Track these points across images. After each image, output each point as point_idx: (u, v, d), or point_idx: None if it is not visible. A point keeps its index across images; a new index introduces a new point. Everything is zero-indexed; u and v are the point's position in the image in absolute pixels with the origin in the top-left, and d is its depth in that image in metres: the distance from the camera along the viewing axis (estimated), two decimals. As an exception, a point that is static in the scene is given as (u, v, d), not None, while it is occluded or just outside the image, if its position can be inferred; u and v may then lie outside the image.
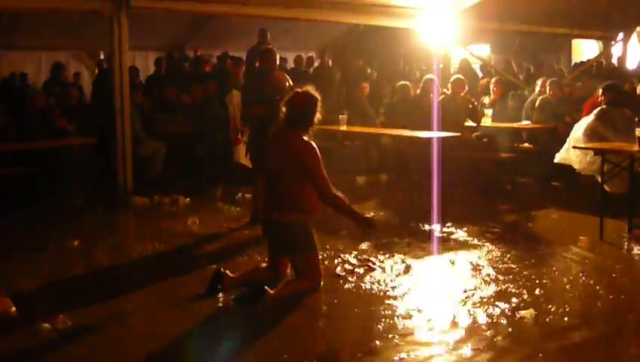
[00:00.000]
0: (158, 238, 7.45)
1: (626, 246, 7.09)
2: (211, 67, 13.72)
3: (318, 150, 5.48)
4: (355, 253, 6.69)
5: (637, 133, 7.30)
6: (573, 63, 17.21)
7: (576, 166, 8.52)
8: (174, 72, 13.21)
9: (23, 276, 6.07)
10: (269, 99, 7.24)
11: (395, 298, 5.44)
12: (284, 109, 5.56)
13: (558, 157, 8.85)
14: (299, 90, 5.64)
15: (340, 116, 10.33)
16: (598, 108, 8.62)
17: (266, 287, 5.30)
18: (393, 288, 5.67)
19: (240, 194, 9.57)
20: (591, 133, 8.34)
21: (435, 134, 8.71)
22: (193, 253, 6.99)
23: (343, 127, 10.27)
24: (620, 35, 14.24)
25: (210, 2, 9.46)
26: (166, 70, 13.22)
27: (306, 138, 5.52)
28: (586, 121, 8.59)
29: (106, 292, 5.68)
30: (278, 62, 7.91)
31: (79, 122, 9.94)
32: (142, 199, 9.18)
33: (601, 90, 8.83)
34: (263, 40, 13.28)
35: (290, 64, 14.47)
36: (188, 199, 9.30)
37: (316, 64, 15.56)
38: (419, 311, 5.13)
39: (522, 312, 5.06)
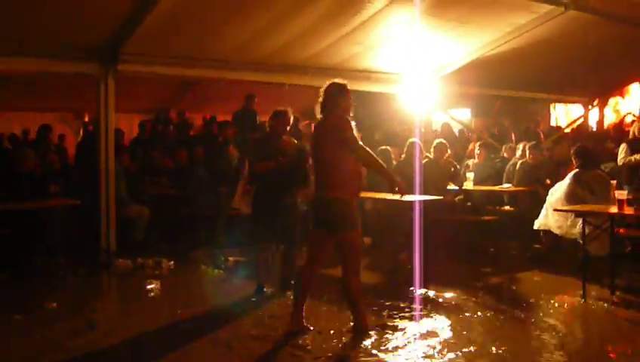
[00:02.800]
0: (138, 301, 7.45)
1: (608, 309, 7.12)
2: (196, 130, 13.83)
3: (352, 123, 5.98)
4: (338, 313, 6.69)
5: (615, 194, 7.38)
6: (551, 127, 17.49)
7: (555, 230, 8.62)
8: (159, 135, 13.29)
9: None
10: (273, 158, 7.42)
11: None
12: (321, 99, 6.11)
13: (537, 224, 8.96)
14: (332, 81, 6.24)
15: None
16: (573, 172, 8.79)
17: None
18: (378, 351, 5.67)
19: (223, 257, 9.57)
20: (570, 197, 8.46)
21: (417, 198, 8.78)
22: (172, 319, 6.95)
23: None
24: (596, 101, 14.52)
25: (196, 67, 9.61)
26: (151, 133, 13.30)
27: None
28: (560, 185, 8.74)
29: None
30: (290, 124, 7.94)
31: (63, 184, 9.96)
32: (125, 261, 9.13)
33: (572, 154, 9.02)
34: (250, 104, 13.47)
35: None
36: (172, 262, 9.28)
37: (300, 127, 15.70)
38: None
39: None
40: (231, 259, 9.55)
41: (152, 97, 14.15)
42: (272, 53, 9.59)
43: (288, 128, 7.92)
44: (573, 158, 8.96)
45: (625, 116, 17.21)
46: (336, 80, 6.25)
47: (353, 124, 6.03)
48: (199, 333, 6.21)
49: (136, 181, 10.58)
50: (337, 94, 6.14)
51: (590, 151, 9.22)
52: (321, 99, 6.15)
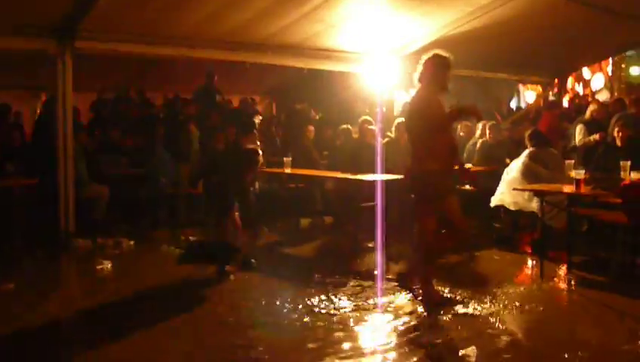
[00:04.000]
0: (96, 281, 7.39)
1: (565, 286, 7.24)
2: (157, 109, 13.68)
3: (437, 99, 6.09)
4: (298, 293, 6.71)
5: (572, 174, 7.48)
6: (514, 107, 17.64)
7: (511, 207, 8.73)
8: (119, 113, 13.13)
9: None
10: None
11: (340, 341, 5.46)
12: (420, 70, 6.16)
13: (494, 201, 9.08)
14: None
15: (285, 159, 10.40)
16: (527, 150, 8.94)
17: None
18: (339, 330, 5.69)
19: (184, 237, 9.53)
20: (526, 172, 8.62)
21: (378, 177, 8.80)
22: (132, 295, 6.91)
23: (288, 170, 10.33)
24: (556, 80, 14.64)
25: (156, 44, 9.47)
26: (110, 112, 13.12)
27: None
28: (516, 163, 8.87)
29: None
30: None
31: (20, 163, 9.80)
32: (84, 242, 9.06)
33: (526, 137, 9.22)
34: (210, 82, 13.36)
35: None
36: (132, 242, 9.22)
37: (260, 107, 15.65)
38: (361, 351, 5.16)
39: (464, 350, 5.11)
40: (191, 238, 9.51)
41: (111, 75, 13.95)
42: (232, 31, 9.50)
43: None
44: (527, 141, 9.13)
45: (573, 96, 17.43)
46: (440, 51, 6.21)
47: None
48: (156, 312, 6.20)
49: (95, 161, 10.44)
50: (438, 68, 6.14)
51: (543, 134, 9.39)
52: (420, 69, 6.18)
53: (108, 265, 8.18)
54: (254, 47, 10.18)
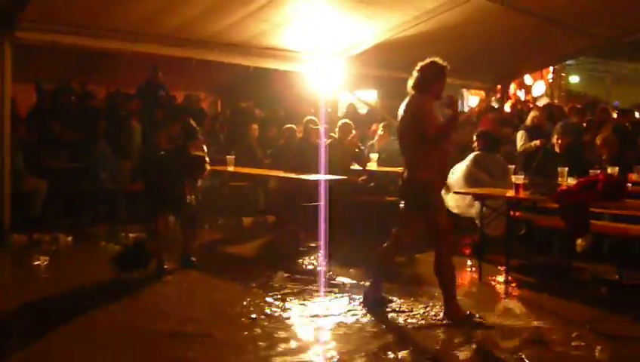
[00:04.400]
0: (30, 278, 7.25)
1: (503, 288, 7.36)
2: (99, 102, 13.46)
3: (432, 109, 5.95)
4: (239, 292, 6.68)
5: (512, 179, 7.59)
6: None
7: (454, 210, 8.81)
8: (60, 106, 12.88)
9: None
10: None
11: (278, 340, 5.46)
12: (416, 75, 6.03)
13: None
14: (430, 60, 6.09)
15: (228, 157, 10.36)
16: (473, 154, 9.02)
17: None
18: (279, 329, 5.69)
19: (123, 234, 9.42)
20: (469, 178, 8.68)
21: (321, 177, 8.81)
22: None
23: (231, 168, 10.28)
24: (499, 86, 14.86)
25: (100, 37, 9.32)
26: (51, 104, 12.87)
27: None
28: (460, 165, 8.94)
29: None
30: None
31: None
32: (20, 237, 8.87)
33: (475, 137, 9.26)
34: (154, 77, 13.21)
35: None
36: (70, 237, 9.07)
37: (205, 104, 15.54)
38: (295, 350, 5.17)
39: (402, 352, 5.16)
40: (131, 235, 9.40)
41: (52, 67, 13.69)
42: (178, 27, 9.42)
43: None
44: (475, 141, 9.19)
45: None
46: (437, 60, 6.10)
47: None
48: (90, 308, 6.11)
49: (33, 154, 10.23)
50: (435, 76, 6.04)
51: (493, 135, 9.47)
52: (416, 75, 6.05)
53: (44, 261, 8.03)
54: (200, 43, 10.11)
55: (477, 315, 5.96)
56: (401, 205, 6.21)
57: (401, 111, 6.11)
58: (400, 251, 6.48)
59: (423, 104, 5.94)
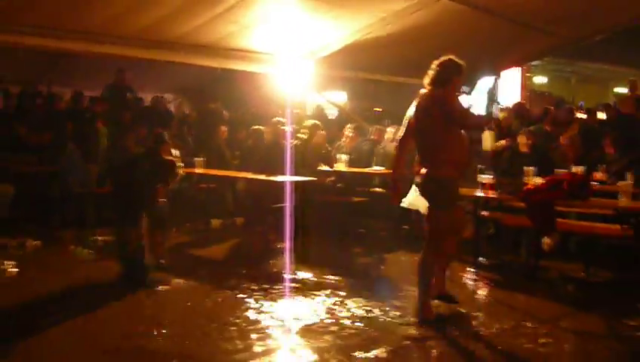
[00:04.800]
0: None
1: (472, 286, 7.43)
2: (65, 105, 13.35)
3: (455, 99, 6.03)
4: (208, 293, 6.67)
5: (480, 179, 7.66)
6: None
7: (422, 210, 8.83)
8: (26, 109, 12.75)
9: None
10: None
11: (245, 341, 5.46)
12: (433, 72, 6.05)
13: (406, 202, 9.12)
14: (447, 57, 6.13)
15: (196, 159, 10.32)
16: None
17: None
18: (244, 329, 5.68)
19: (92, 238, 9.35)
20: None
21: (289, 178, 8.83)
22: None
23: (199, 170, 10.25)
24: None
25: (64, 39, 9.20)
26: (17, 107, 12.74)
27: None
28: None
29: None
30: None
31: None
32: (-15, 242, 8.77)
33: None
34: (120, 79, 13.13)
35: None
36: (38, 242, 8.97)
37: (172, 106, 15.49)
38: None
39: (375, 351, 5.18)
40: (100, 238, 9.34)
41: (17, 69, 13.55)
42: (144, 29, 9.35)
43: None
44: None
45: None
46: (454, 57, 6.15)
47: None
48: (57, 314, 6.07)
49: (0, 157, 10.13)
50: (453, 72, 6.08)
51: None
52: (433, 72, 6.06)
53: (10, 266, 7.93)
54: (168, 45, 10.04)
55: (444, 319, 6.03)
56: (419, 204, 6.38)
57: (416, 109, 6.09)
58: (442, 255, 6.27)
59: (451, 97, 5.99)
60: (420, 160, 6.13)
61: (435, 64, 6.11)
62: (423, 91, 6.13)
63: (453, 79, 6.06)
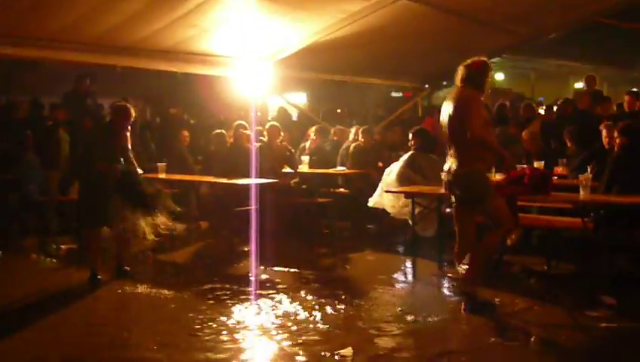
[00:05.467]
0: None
1: (436, 284, 7.48)
2: (24, 113, 13.19)
3: (481, 106, 6.16)
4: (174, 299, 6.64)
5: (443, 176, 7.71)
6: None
7: (389, 210, 8.88)
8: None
9: None
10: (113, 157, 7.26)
11: (215, 342, 5.45)
12: (465, 72, 6.18)
13: (372, 202, 9.21)
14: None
15: (159, 164, 10.27)
16: (408, 153, 9.13)
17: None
18: (213, 333, 5.67)
19: (54, 245, 9.27)
20: (402, 178, 8.78)
21: (252, 181, 8.82)
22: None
23: (162, 175, 10.19)
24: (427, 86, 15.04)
25: (21, 46, 9.09)
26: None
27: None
28: (397, 165, 9.03)
29: None
30: (131, 120, 7.67)
31: None
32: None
33: (411, 135, 9.35)
34: (80, 86, 13.02)
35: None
36: (-1, 251, 8.90)
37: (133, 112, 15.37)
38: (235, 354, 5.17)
39: (341, 351, 5.19)
40: (63, 246, 9.26)
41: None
42: (102, 35, 9.27)
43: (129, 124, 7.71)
44: (411, 139, 9.28)
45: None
46: (485, 58, 6.31)
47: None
48: (26, 324, 5.98)
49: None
50: (483, 73, 6.21)
51: (429, 134, 9.59)
52: (465, 72, 6.19)
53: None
54: (126, 50, 9.97)
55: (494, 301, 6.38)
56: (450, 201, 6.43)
57: (450, 105, 6.19)
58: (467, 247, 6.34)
59: (475, 100, 6.12)
60: (452, 156, 6.21)
61: (467, 62, 6.28)
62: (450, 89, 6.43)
63: (485, 80, 6.25)
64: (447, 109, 6.21)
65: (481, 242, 6.22)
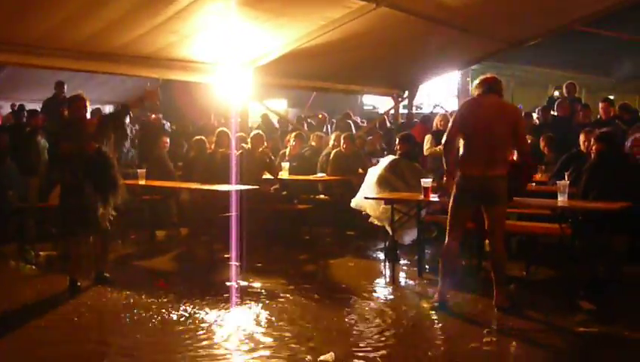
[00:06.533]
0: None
1: (415, 290, 7.52)
2: (3, 118, 13.15)
3: None
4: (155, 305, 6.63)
5: (422, 183, 7.74)
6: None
7: (370, 212, 8.88)
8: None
9: None
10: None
11: (196, 349, 5.44)
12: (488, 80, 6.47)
13: (354, 203, 9.18)
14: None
15: (139, 170, 10.24)
16: (390, 158, 9.15)
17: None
18: (192, 340, 5.67)
19: (33, 252, 9.22)
20: (383, 183, 8.78)
21: (233, 187, 8.82)
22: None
23: (142, 181, 10.16)
24: (406, 93, 15.10)
25: (3, 51, 9.04)
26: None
27: None
28: (378, 168, 9.02)
29: None
30: (86, 108, 7.66)
31: None
32: None
33: (398, 140, 9.38)
34: (60, 91, 12.98)
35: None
36: (-23, 258, 8.84)
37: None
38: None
39: (323, 357, 5.20)
40: (42, 253, 9.22)
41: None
42: (83, 41, 9.24)
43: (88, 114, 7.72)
44: (398, 143, 9.29)
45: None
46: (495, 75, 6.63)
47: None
48: (6, 332, 5.94)
49: None
50: (501, 86, 6.54)
51: (416, 141, 9.61)
52: (486, 84, 6.43)
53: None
54: (107, 56, 9.93)
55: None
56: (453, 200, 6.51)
57: (482, 110, 6.37)
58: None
59: (513, 108, 6.79)
60: (483, 159, 6.27)
61: (487, 75, 6.59)
62: (475, 95, 6.56)
63: (502, 88, 6.55)
64: (480, 114, 6.35)
65: (496, 256, 6.43)
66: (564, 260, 7.58)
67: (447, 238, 6.56)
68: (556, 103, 12.53)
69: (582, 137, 8.43)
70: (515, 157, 6.79)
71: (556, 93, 15.81)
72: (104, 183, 7.40)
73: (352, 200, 9.19)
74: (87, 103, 7.65)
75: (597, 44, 17.95)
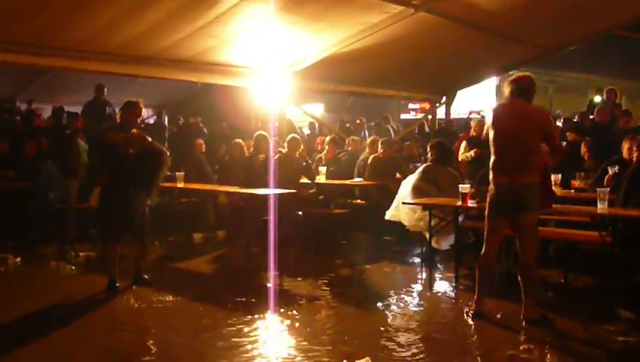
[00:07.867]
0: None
1: (452, 296, 7.48)
2: (45, 121, 13.35)
3: None
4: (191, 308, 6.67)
5: (460, 188, 7.71)
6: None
7: (405, 223, 8.89)
8: (4, 125, 12.72)
9: None
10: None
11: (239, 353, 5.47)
12: (515, 85, 6.34)
13: (389, 214, 9.22)
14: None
15: (177, 173, 10.33)
16: (424, 165, 9.14)
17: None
18: (229, 343, 5.70)
19: (73, 253, 9.34)
20: (415, 191, 8.76)
21: (271, 191, 8.85)
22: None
23: (180, 184, 10.25)
24: (444, 98, 15.05)
25: (46, 55, 9.18)
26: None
27: None
28: (412, 177, 9.03)
29: None
30: (141, 116, 7.75)
31: None
32: (-34, 259, 8.73)
33: (429, 147, 9.37)
34: (99, 95, 13.13)
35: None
36: (18, 258, 8.94)
37: (152, 120, 15.49)
38: (258, 363, 5.20)
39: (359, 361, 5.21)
40: (82, 254, 9.33)
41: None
42: (124, 44, 9.37)
43: (140, 120, 7.77)
44: (429, 150, 9.30)
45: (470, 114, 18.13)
46: (530, 74, 6.58)
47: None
48: (47, 331, 6.03)
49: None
50: (532, 87, 6.39)
51: (447, 147, 9.58)
52: (515, 85, 6.34)
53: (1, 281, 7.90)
54: (147, 60, 10.05)
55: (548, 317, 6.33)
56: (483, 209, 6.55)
57: (507, 116, 6.33)
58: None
59: (541, 111, 6.51)
60: (515, 166, 6.21)
61: (515, 77, 6.49)
62: (504, 96, 6.50)
63: (532, 94, 6.41)
64: (506, 121, 6.30)
65: (525, 267, 6.30)
66: (603, 268, 7.50)
67: (484, 245, 6.50)
68: (596, 109, 12.38)
69: (626, 144, 8.30)
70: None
71: (597, 99, 15.62)
72: (146, 181, 7.47)
73: (387, 212, 9.20)
74: (143, 111, 7.72)
75: (637, 49, 17.76)
